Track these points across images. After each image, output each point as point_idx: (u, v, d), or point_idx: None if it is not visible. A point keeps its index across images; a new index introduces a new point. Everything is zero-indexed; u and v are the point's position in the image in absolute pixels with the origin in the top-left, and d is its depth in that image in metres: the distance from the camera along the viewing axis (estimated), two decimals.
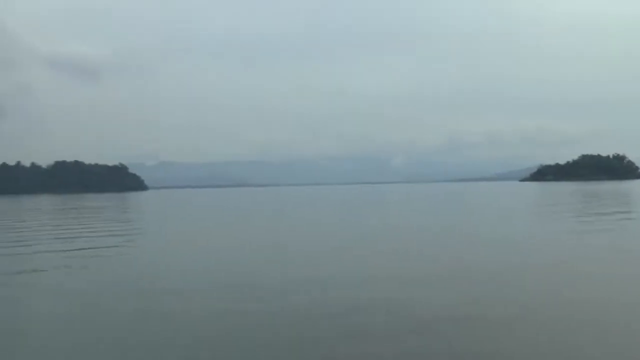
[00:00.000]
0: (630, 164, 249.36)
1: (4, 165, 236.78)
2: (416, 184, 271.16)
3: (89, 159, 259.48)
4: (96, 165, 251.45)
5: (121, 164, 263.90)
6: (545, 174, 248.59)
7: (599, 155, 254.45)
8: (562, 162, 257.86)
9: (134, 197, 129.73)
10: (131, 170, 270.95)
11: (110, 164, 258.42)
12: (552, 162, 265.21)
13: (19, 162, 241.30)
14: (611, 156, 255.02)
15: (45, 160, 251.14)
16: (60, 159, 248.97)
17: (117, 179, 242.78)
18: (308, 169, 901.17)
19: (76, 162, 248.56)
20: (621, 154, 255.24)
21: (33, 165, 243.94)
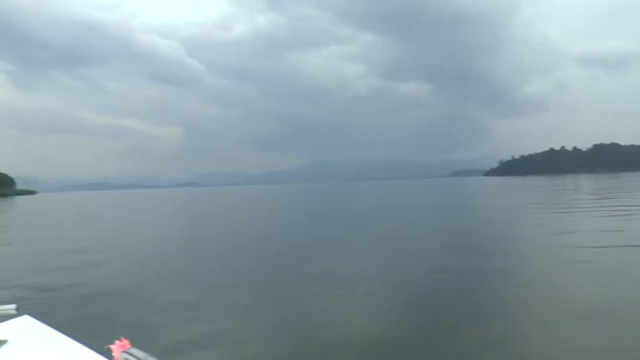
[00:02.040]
0: None
1: (552, 150, 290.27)
2: None
3: (625, 140, 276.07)
4: (632, 145, 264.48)
5: None
6: None
7: None
8: None
9: None
10: None
11: None
12: None
13: (563, 147, 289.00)
14: None
15: (584, 144, 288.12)
16: (597, 142, 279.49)
17: None
18: None
19: (613, 143, 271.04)
20: None
21: (574, 148, 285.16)
